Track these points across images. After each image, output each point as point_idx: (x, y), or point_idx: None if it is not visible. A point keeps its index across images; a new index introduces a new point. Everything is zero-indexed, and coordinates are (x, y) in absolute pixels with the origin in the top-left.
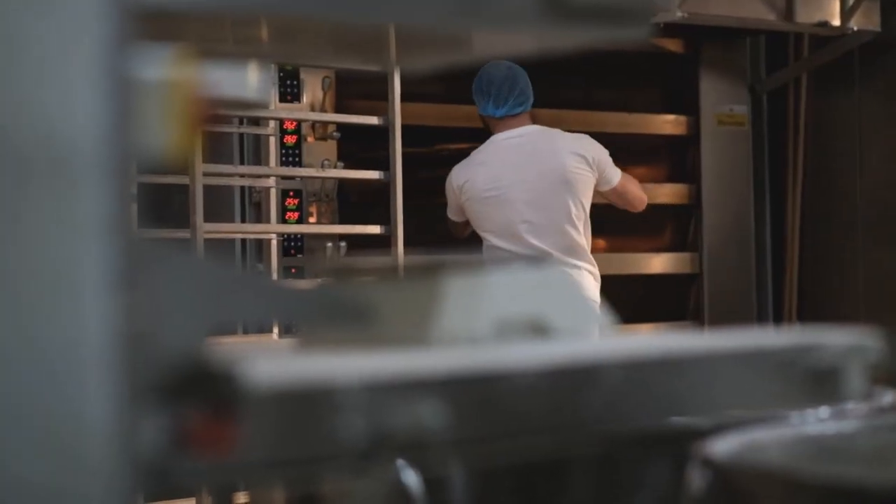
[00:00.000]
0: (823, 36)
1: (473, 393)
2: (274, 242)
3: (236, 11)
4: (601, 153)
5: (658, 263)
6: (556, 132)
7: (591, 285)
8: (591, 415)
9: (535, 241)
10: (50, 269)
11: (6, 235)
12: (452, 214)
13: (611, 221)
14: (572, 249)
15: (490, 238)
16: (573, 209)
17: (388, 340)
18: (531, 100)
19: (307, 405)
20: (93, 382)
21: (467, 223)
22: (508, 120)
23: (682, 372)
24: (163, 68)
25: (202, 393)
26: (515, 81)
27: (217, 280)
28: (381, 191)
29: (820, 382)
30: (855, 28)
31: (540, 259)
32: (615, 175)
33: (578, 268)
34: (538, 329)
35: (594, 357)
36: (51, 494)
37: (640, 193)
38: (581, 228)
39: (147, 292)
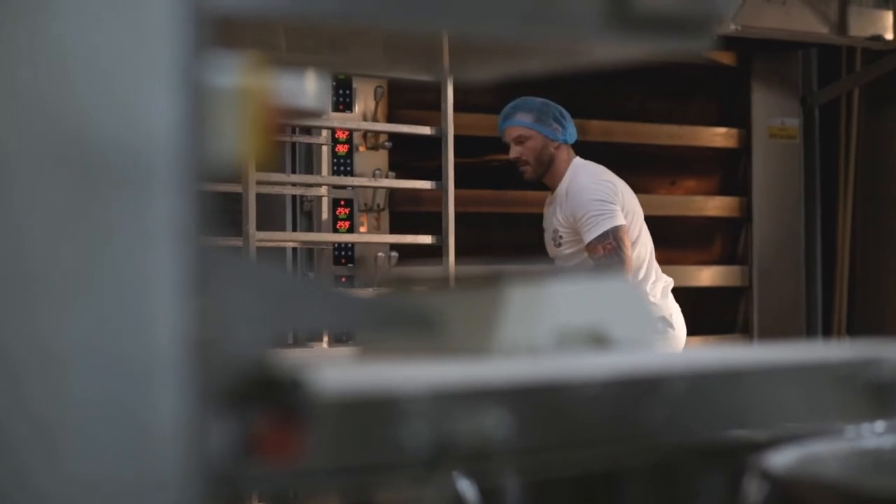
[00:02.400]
0: (876, 50)
1: (536, 403)
2: (325, 251)
3: (304, 17)
4: None
5: (708, 276)
6: None
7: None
8: (652, 426)
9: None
10: (122, 275)
11: (81, 241)
12: (620, 216)
13: (661, 233)
14: None
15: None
16: None
17: (449, 350)
18: None
19: (373, 413)
20: (163, 388)
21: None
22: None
23: (742, 384)
24: (236, 75)
25: (269, 400)
26: None
27: (283, 288)
28: (432, 200)
29: (879, 396)
30: None
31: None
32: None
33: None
34: (598, 339)
35: (656, 368)
36: (121, 498)
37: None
38: None
39: (216, 299)
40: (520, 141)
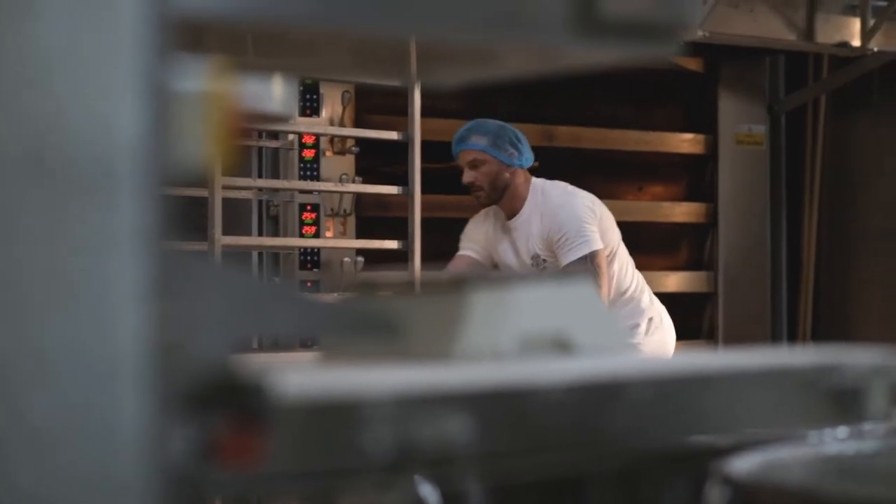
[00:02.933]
0: (843, 56)
1: (498, 408)
2: (291, 256)
3: (271, 22)
4: None
5: (674, 282)
6: None
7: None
8: (615, 431)
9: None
10: (85, 278)
11: (44, 245)
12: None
13: (628, 239)
14: None
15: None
16: None
17: (412, 355)
18: None
19: (335, 417)
20: (124, 392)
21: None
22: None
23: (705, 390)
24: (201, 80)
25: (231, 404)
26: None
27: (247, 292)
28: (399, 206)
29: (842, 402)
30: (875, 49)
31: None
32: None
33: None
34: (562, 345)
35: (619, 374)
36: (83, 501)
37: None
38: None
39: (179, 303)
40: (474, 165)
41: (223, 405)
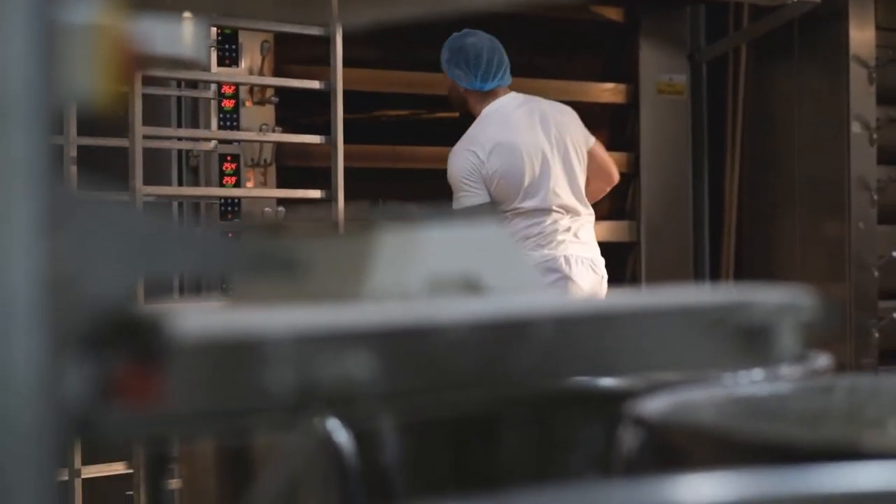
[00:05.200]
0: (763, 6)
1: (402, 347)
2: (212, 206)
3: None
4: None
5: (597, 232)
6: (541, 99)
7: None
8: (521, 370)
9: (566, 202)
10: None
11: None
12: (475, 197)
13: None
14: (588, 227)
15: (526, 207)
16: (582, 170)
17: (321, 296)
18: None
19: (234, 357)
20: (15, 329)
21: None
22: (491, 93)
23: (609, 328)
24: (91, 14)
25: (129, 343)
26: (502, 53)
27: (147, 231)
28: (321, 156)
29: (752, 341)
30: None
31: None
32: (590, 136)
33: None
34: (471, 286)
35: (523, 313)
36: None
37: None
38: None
39: (75, 240)
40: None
41: (121, 345)
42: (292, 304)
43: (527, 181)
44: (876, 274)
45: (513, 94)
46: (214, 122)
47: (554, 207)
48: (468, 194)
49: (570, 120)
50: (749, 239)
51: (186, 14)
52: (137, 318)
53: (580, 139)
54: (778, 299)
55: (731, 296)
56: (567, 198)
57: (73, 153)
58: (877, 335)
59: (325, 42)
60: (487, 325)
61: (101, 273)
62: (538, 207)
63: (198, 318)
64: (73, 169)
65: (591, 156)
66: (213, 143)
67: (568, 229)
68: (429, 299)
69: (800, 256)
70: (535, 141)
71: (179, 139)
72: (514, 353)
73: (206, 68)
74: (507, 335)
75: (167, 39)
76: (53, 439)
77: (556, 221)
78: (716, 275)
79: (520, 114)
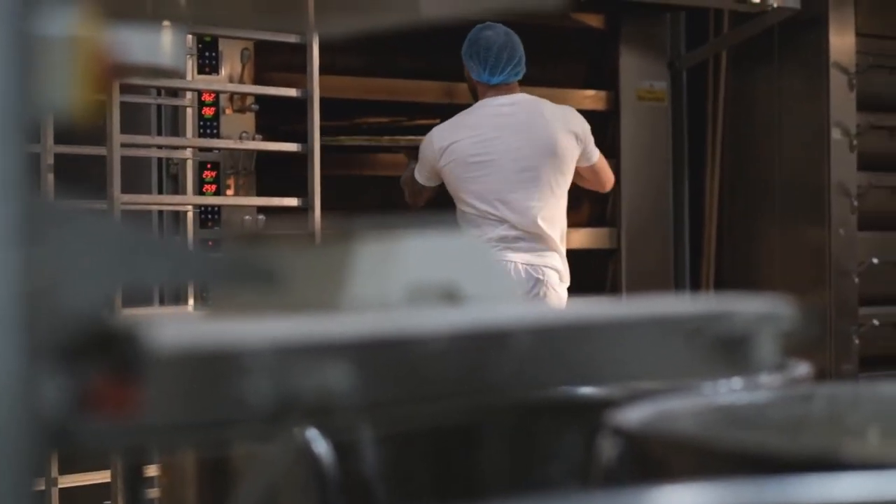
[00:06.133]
0: (743, 13)
1: (380, 357)
2: (191, 215)
3: None
4: (586, 128)
5: (577, 238)
6: (545, 102)
7: (555, 281)
8: (500, 380)
9: (510, 215)
10: None
11: None
12: (423, 178)
13: None
14: (540, 237)
15: (470, 203)
16: (557, 182)
17: (299, 306)
18: (524, 68)
19: (213, 367)
20: None
21: (430, 190)
22: (502, 87)
23: (590, 338)
24: (68, 26)
25: (106, 354)
26: (515, 49)
27: (124, 242)
28: (300, 163)
29: (731, 351)
30: (775, 5)
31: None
32: (595, 152)
33: (543, 256)
34: (450, 296)
35: (503, 323)
36: None
37: (611, 173)
38: (560, 201)
39: (51, 251)
40: None
41: (98, 355)
42: (271, 315)
43: (473, 184)
44: (856, 280)
45: (513, 95)
46: (194, 130)
47: (493, 215)
48: (418, 173)
49: (568, 133)
50: (730, 245)
51: (165, 23)
52: (115, 328)
53: (571, 153)
54: (757, 309)
55: (710, 305)
56: (515, 211)
57: (50, 161)
58: (857, 341)
59: (305, 49)
60: (467, 335)
61: (78, 283)
62: (481, 212)
63: (176, 328)
64: (51, 177)
65: (590, 171)
66: (189, 150)
67: (504, 238)
68: (408, 309)
69: (780, 262)
70: (502, 146)
71: (159, 147)
72: (493, 362)
73: (182, 73)
74: (487, 345)
75: (145, 48)
76: (30, 449)
77: (495, 230)
78: (696, 280)
79: (500, 112)
